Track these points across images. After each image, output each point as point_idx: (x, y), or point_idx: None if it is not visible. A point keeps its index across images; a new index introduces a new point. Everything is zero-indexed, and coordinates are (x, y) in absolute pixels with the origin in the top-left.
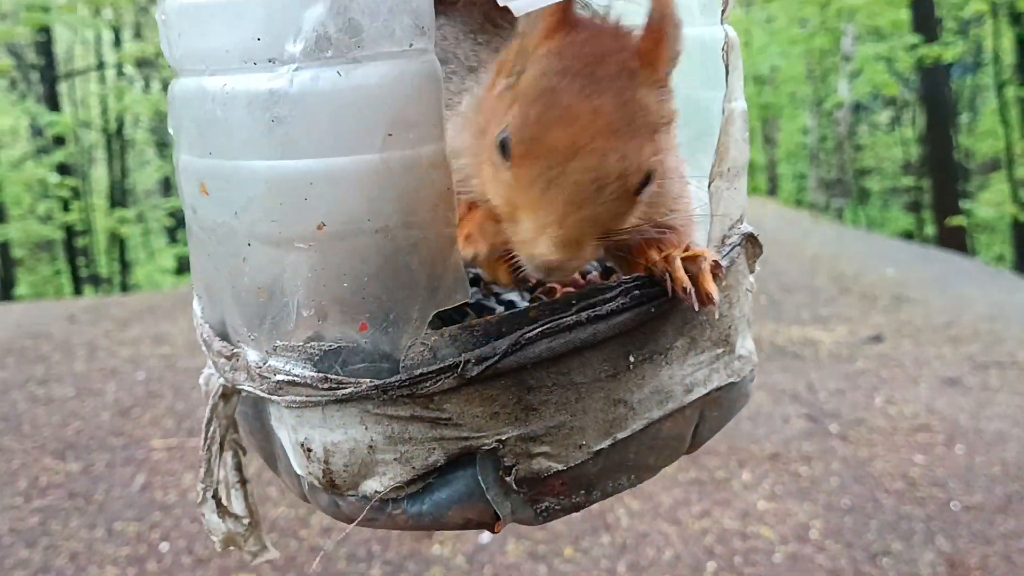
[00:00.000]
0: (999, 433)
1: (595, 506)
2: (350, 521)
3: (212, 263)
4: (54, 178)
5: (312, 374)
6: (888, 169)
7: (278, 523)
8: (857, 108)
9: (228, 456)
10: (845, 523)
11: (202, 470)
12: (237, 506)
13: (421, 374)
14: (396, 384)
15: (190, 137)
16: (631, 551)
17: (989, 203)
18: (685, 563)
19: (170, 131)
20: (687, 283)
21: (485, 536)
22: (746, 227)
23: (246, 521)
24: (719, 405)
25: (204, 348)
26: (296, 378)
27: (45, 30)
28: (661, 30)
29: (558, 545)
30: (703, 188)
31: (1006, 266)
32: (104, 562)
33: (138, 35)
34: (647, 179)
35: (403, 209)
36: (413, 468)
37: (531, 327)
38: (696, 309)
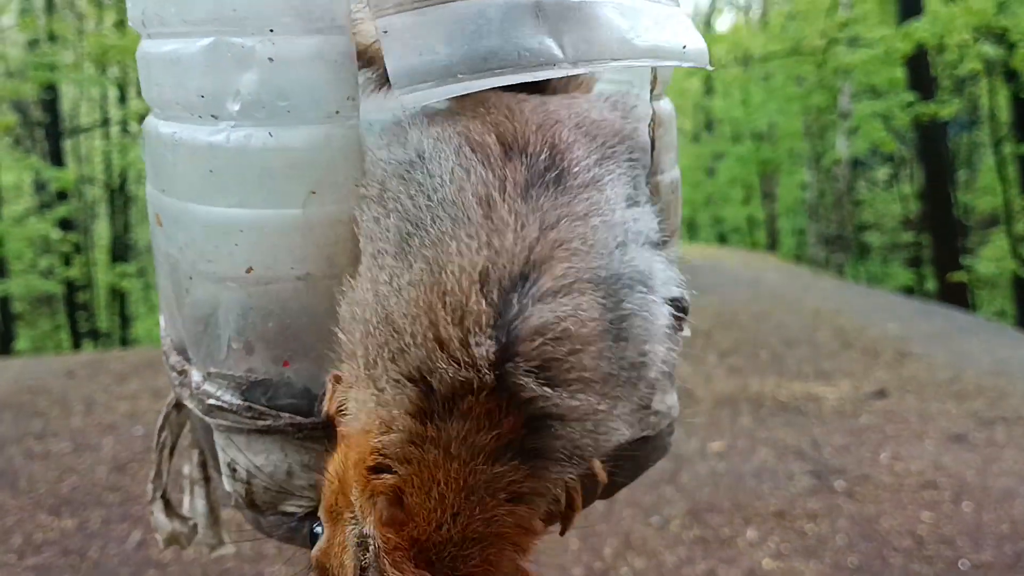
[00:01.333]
0: (1007, 490)
1: (598, 564)
2: (270, 536)
3: (166, 285)
4: (56, 233)
5: (238, 402)
6: (887, 225)
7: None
8: (855, 164)
9: (194, 454)
10: None
11: (152, 472)
12: (199, 503)
13: None
14: (309, 425)
15: (150, 171)
16: None
17: (990, 259)
18: None
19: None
20: None
21: None
22: (672, 291)
23: (191, 523)
24: (632, 457)
25: (164, 359)
26: (224, 404)
27: (51, 87)
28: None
29: None
30: None
31: (1008, 321)
32: None
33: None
34: None
35: (324, 260)
36: None
37: None
38: None
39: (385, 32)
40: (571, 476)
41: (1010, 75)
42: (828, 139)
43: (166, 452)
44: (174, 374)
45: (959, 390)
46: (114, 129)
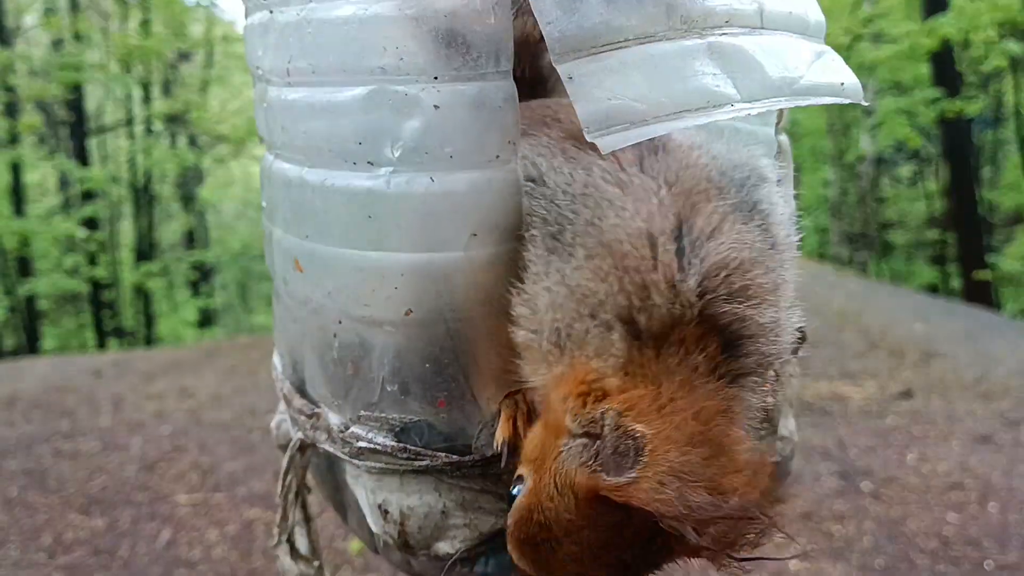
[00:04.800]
0: None
1: None
2: None
3: (299, 329)
4: (82, 233)
5: (392, 444)
6: (911, 222)
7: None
8: (879, 162)
9: (296, 498)
10: None
11: (278, 515)
12: (300, 542)
13: (493, 455)
14: (469, 463)
15: (286, 217)
16: None
17: (1014, 256)
18: None
19: (263, 203)
20: None
21: None
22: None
23: (316, 563)
24: None
25: (284, 403)
26: (377, 446)
27: (76, 87)
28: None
29: None
30: None
31: None
32: None
33: (167, 92)
34: None
35: (483, 300)
36: (481, 533)
37: None
38: None
39: (570, 78)
40: (764, 388)
41: None
42: (852, 136)
43: (291, 496)
44: (302, 418)
45: (985, 390)
46: (138, 128)
